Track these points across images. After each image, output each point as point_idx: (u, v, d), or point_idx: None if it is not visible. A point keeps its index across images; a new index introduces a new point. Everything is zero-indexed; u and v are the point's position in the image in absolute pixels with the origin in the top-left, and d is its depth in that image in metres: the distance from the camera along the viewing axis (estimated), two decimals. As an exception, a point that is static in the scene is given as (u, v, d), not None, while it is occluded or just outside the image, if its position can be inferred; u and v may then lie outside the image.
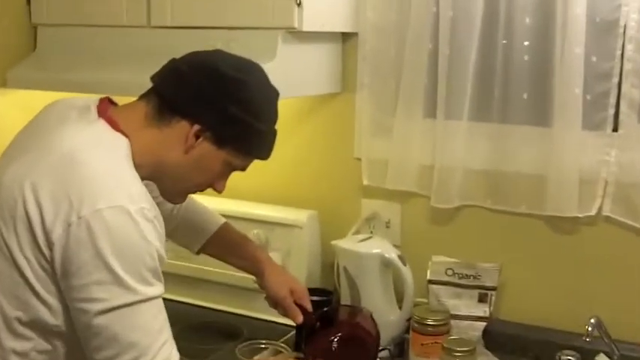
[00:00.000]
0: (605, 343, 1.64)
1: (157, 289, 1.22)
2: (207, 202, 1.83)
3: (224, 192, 2.06)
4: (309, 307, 1.69)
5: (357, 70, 1.96)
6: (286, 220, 2.01)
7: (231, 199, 2.07)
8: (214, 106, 1.30)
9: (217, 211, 1.81)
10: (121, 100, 1.41)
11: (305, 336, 1.68)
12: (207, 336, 1.96)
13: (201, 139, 1.31)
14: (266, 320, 2.00)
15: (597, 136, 1.72)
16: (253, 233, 2.00)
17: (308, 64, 1.89)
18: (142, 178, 1.31)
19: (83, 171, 1.20)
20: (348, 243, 1.89)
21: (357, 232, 1.99)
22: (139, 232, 1.19)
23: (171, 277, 2.08)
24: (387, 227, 2.00)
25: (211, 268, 2.02)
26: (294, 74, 1.83)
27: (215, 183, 1.39)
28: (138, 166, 1.28)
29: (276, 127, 1.41)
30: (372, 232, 2.00)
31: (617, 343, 1.65)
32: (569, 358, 1.69)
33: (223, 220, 1.76)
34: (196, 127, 1.30)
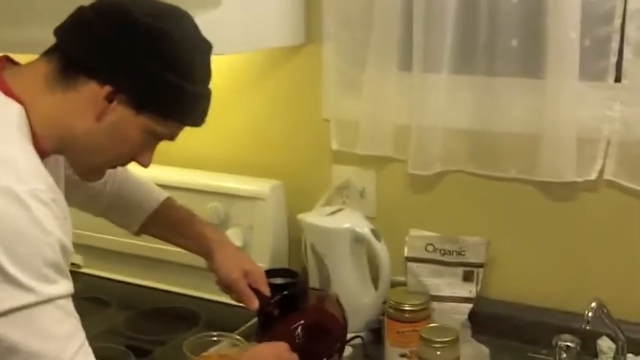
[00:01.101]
0: (607, 325, 1.45)
1: (62, 287, 1.04)
2: (155, 172, 1.62)
3: (175, 161, 1.91)
4: (266, 291, 1.52)
5: (323, 17, 1.78)
6: (247, 192, 1.84)
7: (184, 168, 1.95)
8: (128, 63, 1.11)
9: (167, 182, 1.66)
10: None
11: (261, 325, 1.51)
12: (162, 323, 1.81)
13: (114, 103, 1.12)
14: (228, 304, 1.80)
15: (597, 88, 1.57)
16: (210, 207, 1.83)
17: (263, 11, 1.70)
18: (50, 152, 1.13)
19: None
20: (314, 217, 1.71)
21: (328, 204, 1.82)
22: (32, 219, 1.00)
23: (121, 257, 1.99)
24: (362, 197, 1.83)
25: (166, 247, 1.81)
26: (246, 24, 1.64)
27: (138, 155, 1.21)
28: (41, 138, 1.11)
29: (210, 86, 1.22)
30: (344, 203, 1.83)
31: (621, 324, 1.48)
32: (568, 343, 1.51)
33: (165, 195, 1.59)
34: (107, 88, 1.11)
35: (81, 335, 1.06)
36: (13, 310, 0.99)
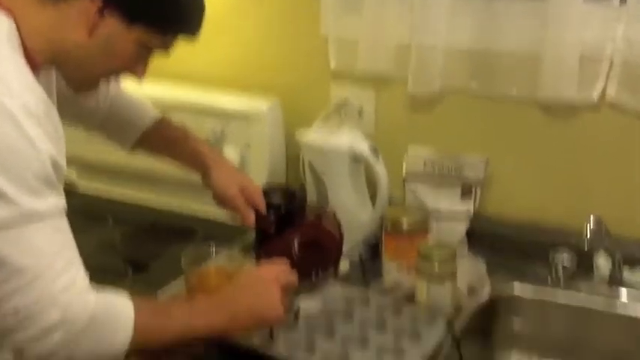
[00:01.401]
0: (605, 241, 1.46)
1: (53, 202, 1.02)
2: (152, 90, 1.63)
3: (171, 78, 1.88)
4: (262, 207, 1.50)
5: None
6: (244, 110, 1.81)
7: (181, 86, 1.91)
8: None
9: (164, 101, 1.65)
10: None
11: (258, 242, 1.50)
12: (159, 239, 1.80)
13: (106, 17, 1.09)
14: (225, 221, 1.80)
15: (602, 8, 1.55)
16: (207, 126, 1.81)
17: None
18: (42, 65, 1.10)
19: None
20: (313, 135, 1.69)
21: (326, 122, 1.77)
22: (23, 133, 0.98)
23: (117, 174, 1.97)
24: (360, 116, 1.80)
25: (162, 164, 1.81)
26: None
27: (131, 67, 1.18)
28: (32, 52, 1.08)
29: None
30: (342, 122, 1.79)
31: (619, 241, 1.51)
32: (564, 259, 1.54)
33: (159, 114, 1.55)
34: (98, 2, 1.08)
35: (70, 252, 1.04)
36: (3, 222, 0.97)
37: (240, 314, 1.19)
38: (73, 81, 1.18)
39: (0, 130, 0.96)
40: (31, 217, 0.99)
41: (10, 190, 0.96)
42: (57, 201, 1.02)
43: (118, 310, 1.07)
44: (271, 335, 1.31)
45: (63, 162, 1.04)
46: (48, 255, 1.00)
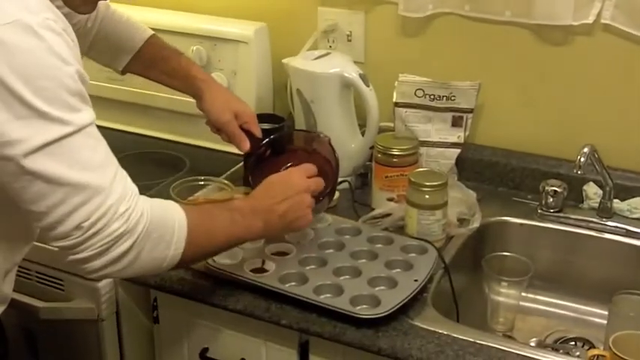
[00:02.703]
0: (596, 171, 1.45)
1: (88, 114, 1.00)
2: (136, 13, 1.58)
3: (158, 2, 1.82)
4: (257, 132, 1.49)
5: None
6: (230, 35, 1.75)
7: (164, 9, 1.85)
8: None
9: (149, 25, 1.55)
10: None
11: (252, 166, 1.47)
12: (146, 168, 1.77)
13: None
14: (212, 149, 1.81)
15: None
16: (192, 50, 1.76)
17: None
18: None
19: None
20: (301, 61, 1.64)
21: (314, 48, 1.74)
22: (50, 50, 0.95)
23: (102, 102, 1.93)
24: (349, 41, 1.75)
25: (150, 92, 1.80)
26: None
27: None
28: None
29: None
30: (331, 48, 1.76)
31: (610, 171, 1.48)
32: (555, 188, 1.52)
33: (150, 32, 1.52)
34: None
35: (114, 159, 1.04)
36: (50, 143, 0.95)
37: (274, 221, 1.21)
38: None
39: (27, 49, 0.93)
40: (76, 132, 0.97)
41: (51, 109, 0.95)
42: (91, 112, 1.01)
43: (172, 212, 1.08)
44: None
45: (86, 74, 1.02)
46: (97, 167, 1.00)
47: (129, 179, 1.05)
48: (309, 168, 1.31)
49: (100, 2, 1.20)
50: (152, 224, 1.03)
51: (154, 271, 1.09)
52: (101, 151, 1.02)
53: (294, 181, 1.26)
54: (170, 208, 1.09)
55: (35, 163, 0.95)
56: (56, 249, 1.02)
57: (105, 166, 1.01)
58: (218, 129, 1.50)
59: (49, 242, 1.02)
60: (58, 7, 1.14)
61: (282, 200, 1.22)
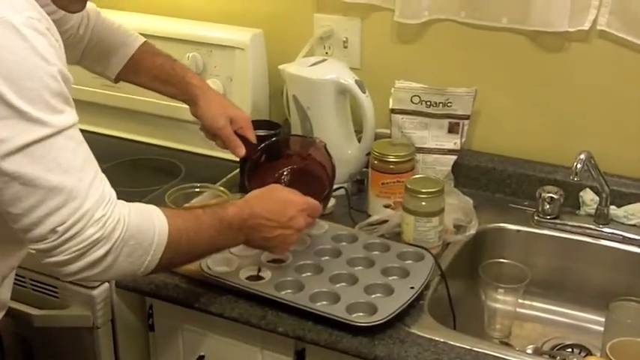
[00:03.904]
0: (593, 177, 1.45)
1: (69, 116, 0.99)
2: (130, 20, 1.57)
3: (153, 9, 1.82)
4: (252, 137, 1.49)
5: None
6: (226, 41, 1.75)
7: (160, 16, 1.85)
8: None
9: (145, 31, 1.56)
10: None
11: (248, 171, 1.47)
12: (142, 175, 1.77)
13: None
14: (208, 156, 1.81)
15: None
16: (188, 57, 1.76)
17: None
18: None
19: None
20: (297, 67, 1.64)
21: (310, 54, 1.74)
22: (32, 50, 0.94)
23: (97, 109, 1.93)
24: (345, 47, 1.75)
25: (144, 98, 1.79)
26: None
27: None
28: None
29: None
30: (327, 54, 1.76)
31: (606, 177, 1.48)
32: (552, 194, 1.52)
33: (142, 39, 1.51)
34: None
35: (94, 163, 1.03)
36: (29, 145, 0.95)
37: (256, 240, 1.22)
38: None
39: (9, 48, 0.92)
40: (56, 134, 0.96)
41: (32, 109, 0.94)
42: (73, 114, 1.00)
43: (152, 219, 1.06)
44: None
45: (70, 75, 1.01)
46: (76, 171, 0.98)
47: (108, 184, 1.04)
48: (315, 208, 1.29)
49: (89, 8, 1.20)
50: (129, 231, 1.02)
51: (131, 276, 1.09)
52: (81, 154, 1.00)
53: (293, 213, 1.24)
54: (151, 213, 1.07)
55: (12, 164, 0.94)
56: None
57: (84, 170, 1.00)
58: (213, 134, 1.50)
59: (26, 244, 1.02)
60: (49, 13, 1.14)
61: (274, 227, 1.21)
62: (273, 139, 1.55)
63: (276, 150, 1.51)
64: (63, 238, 0.98)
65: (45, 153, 0.96)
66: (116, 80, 1.51)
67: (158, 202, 1.40)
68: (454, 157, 1.61)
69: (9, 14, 0.93)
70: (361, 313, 1.22)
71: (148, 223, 1.05)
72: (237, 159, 1.54)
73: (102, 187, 1.01)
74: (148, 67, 1.49)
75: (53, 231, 0.97)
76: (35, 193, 0.96)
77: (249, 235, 1.20)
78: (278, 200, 1.25)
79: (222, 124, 1.46)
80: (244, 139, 1.48)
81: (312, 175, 1.48)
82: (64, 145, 0.98)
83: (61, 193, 0.97)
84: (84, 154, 1.01)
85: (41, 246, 0.99)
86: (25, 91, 0.94)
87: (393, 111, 1.62)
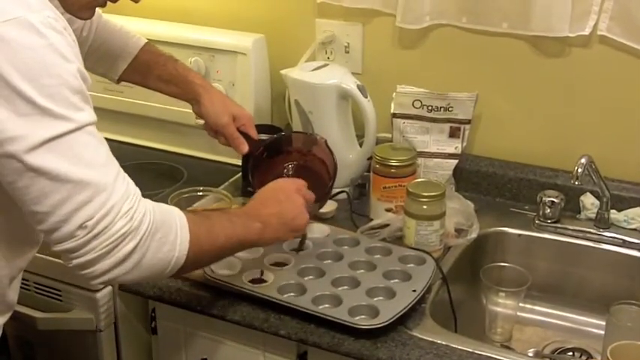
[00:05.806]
0: (593, 182, 1.46)
1: (90, 114, 1.00)
2: (132, 25, 1.59)
3: (155, 14, 1.82)
4: (254, 134, 1.50)
5: None
6: (228, 46, 1.76)
7: (164, 21, 1.86)
8: None
9: (148, 36, 1.56)
10: None
11: (251, 167, 1.48)
12: (144, 179, 1.72)
13: None
14: (210, 160, 1.82)
15: None
16: (190, 62, 1.76)
17: None
18: None
19: None
20: (299, 72, 1.65)
21: (312, 59, 1.74)
22: (52, 47, 0.95)
23: (99, 113, 1.90)
24: (347, 52, 1.76)
25: (147, 103, 1.81)
26: None
27: None
28: None
29: None
30: (329, 59, 1.76)
31: (607, 182, 1.49)
32: (552, 198, 1.53)
33: (144, 39, 1.52)
34: None
35: (115, 161, 1.02)
36: (52, 139, 0.94)
37: (271, 221, 1.20)
38: (72, 3, 1.10)
39: (29, 46, 0.93)
40: (78, 130, 0.96)
41: (54, 106, 0.94)
42: (92, 112, 1.00)
43: (173, 214, 1.06)
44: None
45: (87, 74, 1.01)
46: (100, 166, 0.98)
47: (131, 182, 1.04)
48: (299, 182, 1.31)
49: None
50: (155, 224, 1.01)
51: (158, 275, 1.06)
52: (103, 151, 1.00)
53: (283, 185, 1.27)
54: (171, 210, 1.08)
55: (37, 159, 0.94)
56: (60, 260, 1.00)
57: (107, 166, 1.00)
58: (216, 132, 1.51)
59: (52, 247, 1.00)
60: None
61: (275, 203, 1.23)
62: (275, 135, 1.56)
63: (278, 146, 1.53)
64: (92, 233, 0.97)
65: (68, 148, 0.96)
66: (119, 81, 1.52)
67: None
68: (455, 162, 1.62)
69: (26, 13, 0.94)
70: (363, 316, 1.22)
71: (170, 218, 1.05)
72: (239, 159, 1.54)
73: (126, 183, 1.02)
74: (151, 68, 1.50)
75: (82, 227, 0.96)
76: (62, 188, 0.95)
77: (263, 221, 1.19)
78: (264, 190, 1.28)
79: (225, 122, 1.47)
80: (247, 137, 1.49)
81: (313, 171, 1.50)
82: (87, 141, 0.98)
83: (88, 187, 0.96)
84: (106, 151, 1.01)
85: (69, 245, 0.97)
86: (46, 88, 0.94)
87: (394, 115, 1.63)
